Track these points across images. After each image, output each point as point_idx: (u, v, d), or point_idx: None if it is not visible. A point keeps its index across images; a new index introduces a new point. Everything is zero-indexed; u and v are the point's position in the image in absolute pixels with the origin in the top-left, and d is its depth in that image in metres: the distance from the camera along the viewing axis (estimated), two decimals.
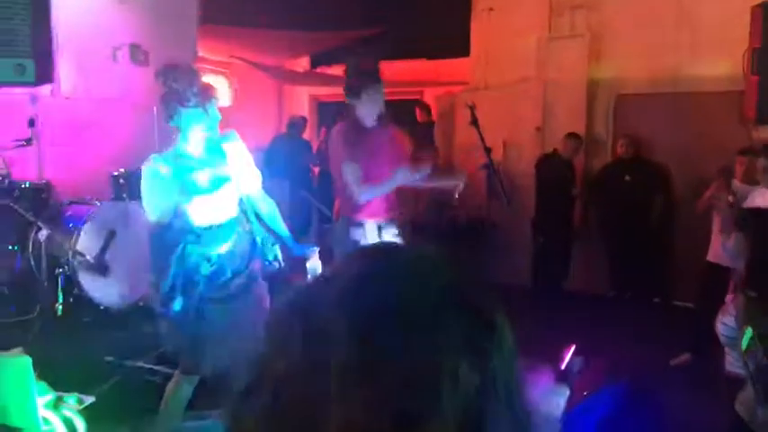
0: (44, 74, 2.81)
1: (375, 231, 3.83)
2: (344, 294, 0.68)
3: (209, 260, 3.12)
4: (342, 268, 0.73)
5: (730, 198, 4.37)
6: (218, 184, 3.16)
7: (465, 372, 0.64)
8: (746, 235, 2.90)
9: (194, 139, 3.14)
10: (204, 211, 3.14)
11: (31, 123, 4.44)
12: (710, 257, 5.15)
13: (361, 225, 3.83)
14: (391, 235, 3.88)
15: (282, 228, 3.44)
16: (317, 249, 3.39)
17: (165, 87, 3.09)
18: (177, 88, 3.04)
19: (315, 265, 3.36)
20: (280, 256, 3.36)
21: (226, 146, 3.26)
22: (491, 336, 0.68)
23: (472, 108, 3.64)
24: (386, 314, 0.66)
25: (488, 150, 3.59)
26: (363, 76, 3.73)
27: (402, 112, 9.17)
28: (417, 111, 9.07)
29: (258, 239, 3.33)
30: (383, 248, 0.83)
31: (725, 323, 2.97)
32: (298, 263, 3.40)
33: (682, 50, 6.58)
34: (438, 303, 0.67)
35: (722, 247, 3.28)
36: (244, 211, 3.36)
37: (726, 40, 5.82)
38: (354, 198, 3.72)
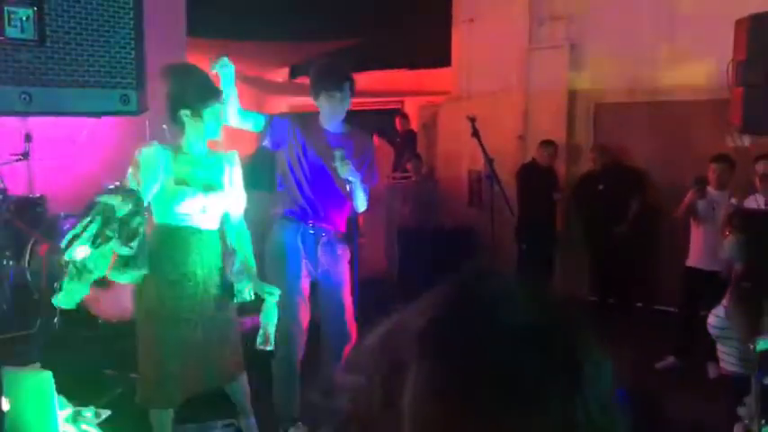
0: (143, 103, 2.85)
1: (298, 234, 3.67)
2: (423, 340, 0.65)
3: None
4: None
5: (734, 200, 4.54)
6: (209, 189, 3.14)
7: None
8: (742, 235, 3.06)
9: (193, 141, 3.13)
10: (190, 209, 3.10)
11: (28, 138, 4.43)
12: (690, 262, 5.30)
13: (285, 224, 3.72)
14: (323, 242, 3.70)
15: (252, 261, 3.34)
16: (277, 295, 3.27)
17: (167, 87, 3.10)
18: (181, 90, 3.06)
19: (271, 310, 3.26)
20: (251, 289, 3.28)
21: (227, 162, 3.28)
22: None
23: (473, 120, 3.70)
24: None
25: (491, 161, 3.67)
26: (324, 77, 3.65)
27: (384, 122, 9.28)
28: (397, 120, 9.18)
29: (237, 263, 3.27)
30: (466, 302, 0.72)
31: (716, 315, 3.10)
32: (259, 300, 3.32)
33: (660, 61, 6.77)
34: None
35: (720, 247, 3.43)
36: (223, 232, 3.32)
37: (703, 50, 6.02)
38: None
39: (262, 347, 3.24)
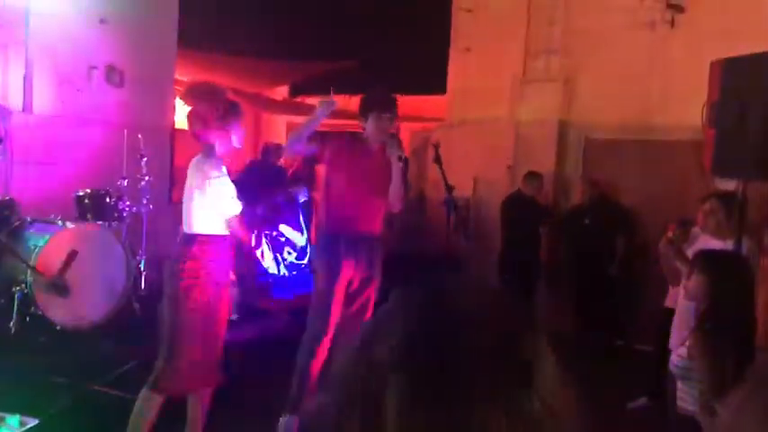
0: None
1: (350, 246, 3.98)
2: (397, 355, 0.69)
3: None
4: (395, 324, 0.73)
5: (669, 234, 4.47)
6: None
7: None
8: (704, 275, 3.01)
9: (220, 156, 3.32)
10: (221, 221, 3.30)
11: None
12: (669, 303, 5.22)
13: (336, 239, 3.99)
14: (366, 250, 4.07)
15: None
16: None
17: (192, 107, 3.29)
18: (204, 110, 3.24)
19: None
20: None
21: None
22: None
23: (436, 147, 3.75)
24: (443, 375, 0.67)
25: (449, 188, 3.65)
26: (374, 102, 4.02)
27: None
28: None
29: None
30: (438, 301, 0.78)
31: (679, 355, 3.09)
32: None
33: (651, 99, 6.74)
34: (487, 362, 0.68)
35: (683, 287, 3.37)
36: None
37: (693, 90, 5.96)
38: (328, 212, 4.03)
39: None
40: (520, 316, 0.77)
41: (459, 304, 0.75)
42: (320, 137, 4.10)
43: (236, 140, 3.38)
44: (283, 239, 7.15)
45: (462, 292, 0.78)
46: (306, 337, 3.88)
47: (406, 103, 9.41)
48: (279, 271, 7.11)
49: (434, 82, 8.62)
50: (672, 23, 6.63)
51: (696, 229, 5.07)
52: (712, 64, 3.68)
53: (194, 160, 3.32)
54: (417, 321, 0.73)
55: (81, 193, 4.97)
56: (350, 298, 4.04)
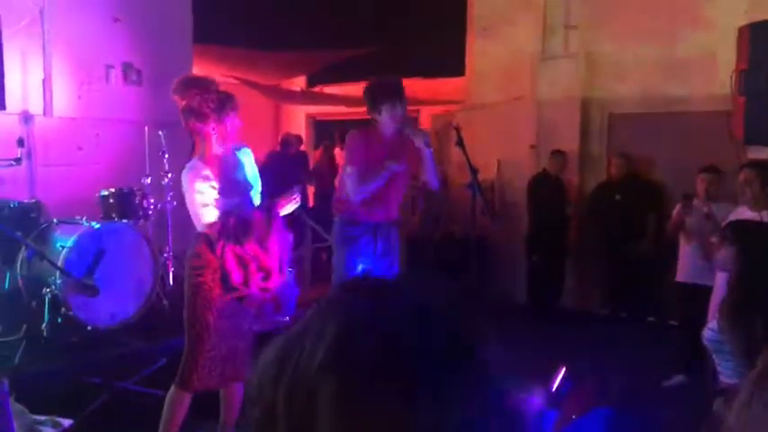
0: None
1: (370, 232, 4.08)
2: (330, 356, 0.64)
3: None
4: (326, 319, 0.68)
5: (705, 209, 4.37)
6: (249, 188, 3.38)
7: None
8: (734, 247, 2.97)
9: (217, 149, 3.26)
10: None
11: (21, 143, 4.45)
12: (680, 277, 5.14)
13: (355, 223, 4.09)
14: (384, 236, 4.13)
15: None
16: None
17: (184, 101, 3.21)
18: (197, 103, 3.17)
19: None
20: None
21: (244, 156, 3.45)
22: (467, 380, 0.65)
23: (458, 129, 3.69)
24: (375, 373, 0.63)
25: (474, 171, 3.61)
26: (384, 95, 4.02)
27: None
28: None
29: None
30: (371, 294, 0.73)
31: (710, 329, 3.03)
32: None
33: (674, 69, 6.60)
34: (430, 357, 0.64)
35: (712, 259, 3.33)
36: None
37: (717, 60, 5.85)
38: (349, 197, 4.04)
39: None
40: (471, 314, 0.71)
41: (404, 300, 0.69)
42: (338, 126, 4.13)
43: (233, 133, 3.30)
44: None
45: (407, 288, 0.72)
46: None
47: (424, 86, 9.44)
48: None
49: (452, 64, 8.55)
50: None
51: (698, 202, 4.96)
52: (740, 30, 3.59)
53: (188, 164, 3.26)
54: (354, 317, 0.67)
55: (105, 193, 4.99)
56: None
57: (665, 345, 5.76)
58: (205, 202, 3.11)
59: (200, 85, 3.24)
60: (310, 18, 8.82)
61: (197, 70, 7.20)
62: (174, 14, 6.44)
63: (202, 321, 3.14)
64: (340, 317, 0.67)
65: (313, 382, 0.63)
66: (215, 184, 3.13)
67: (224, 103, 3.23)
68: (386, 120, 4.03)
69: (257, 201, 3.41)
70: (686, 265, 5.09)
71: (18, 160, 4.52)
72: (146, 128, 5.45)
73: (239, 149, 3.41)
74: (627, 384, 4.76)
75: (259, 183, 3.47)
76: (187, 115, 3.20)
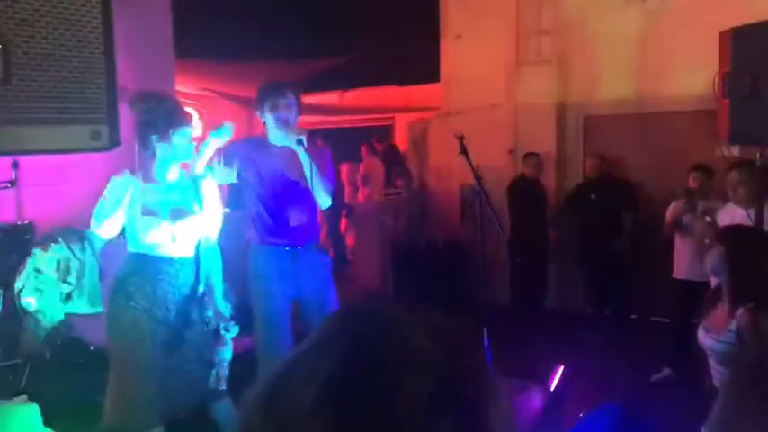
0: (114, 137, 2.86)
1: (289, 258, 3.67)
2: (319, 399, 0.62)
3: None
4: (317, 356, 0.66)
5: (708, 219, 4.53)
6: (178, 217, 3.15)
7: None
8: (727, 250, 3.03)
9: (166, 166, 3.17)
10: (159, 239, 3.11)
11: (15, 165, 4.41)
12: (677, 274, 5.30)
13: (269, 251, 3.69)
14: (310, 262, 3.72)
15: (219, 287, 3.34)
16: (236, 331, 3.30)
17: (137, 115, 3.13)
18: (149, 116, 3.09)
19: (227, 346, 3.30)
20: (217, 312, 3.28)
21: (199, 184, 3.29)
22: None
23: (461, 138, 3.71)
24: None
25: (479, 179, 3.67)
26: (268, 93, 3.68)
27: (374, 138, 9.28)
28: (375, 145, 9.10)
29: (201, 287, 3.25)
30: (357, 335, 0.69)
31: (720, 340, 2.99)
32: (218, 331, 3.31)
33: (646, 72, 6.80)
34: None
35: (704, 263, 3.40)
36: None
37: (689, 61, 6.05)
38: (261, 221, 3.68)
39: (213, 387, 3.23)
40: (469, 355, 0.69)
41: (397, 340, 0.66)
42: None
43: (182, 149, 3.15)
44: None
45: (402, 326, 0.68)
46: None
47: (399, 94, 9.52)
48: None
49: (427, 72, 8.63)
50: None
51: (702, 203, 5.14)
52: (721, 34, 3.73)
53: None
54: (342, 359, 0.64)
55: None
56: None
57: (649, 341, 5.93)
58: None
59: (151, 100, 3.15)
60: (283, 29, 8.83)
61: (179, 86, 7.18)
62: (156, 30, 6.41)
63: None
64: (328, 356, 0.65)
65: (304, 424, 0.61)
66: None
67: (171, 118, 3.10)
68: (269, 123, 3.68)
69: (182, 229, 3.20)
70: (682, 262, 5.25)
71: (13, 183, 4.47)
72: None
73: (201, 175, 3.29)
74: (617, 380, 4.91)
75: (211, 208, 3.30)
76: (136, 129, 3.14)
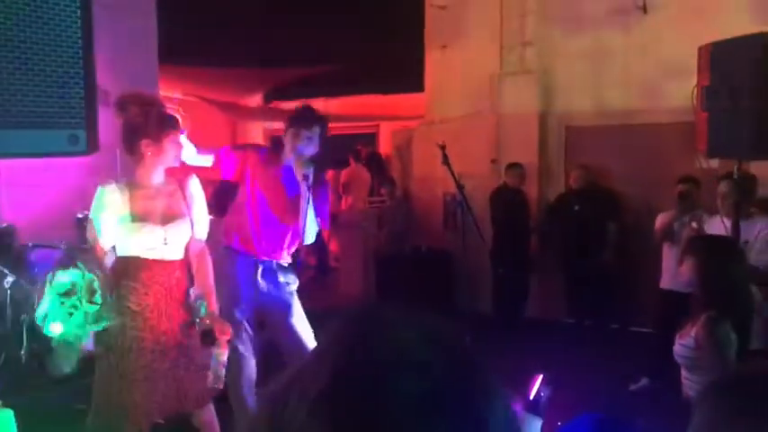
0: (93, 142, 2.82)
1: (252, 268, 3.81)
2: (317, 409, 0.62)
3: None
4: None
5: (694, 224, 4.58)
6: (168, 221, 3.14)
7: None
8: (696, 259, 3.07)
9: (152, 170, 3.13)
10: (152, 243, 3.09)
11: None
12: (664, 284, 5.34)
13: (235, 257, 3.84)
14: (282, 277, 3.86)
15: (211, 287, 3.32)
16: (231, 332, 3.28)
17: (127, 118, 3.09)
18: (140, 120, 3.05)
19: (221, 356, 3.24)
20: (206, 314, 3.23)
21: (190, 184, 3.27)
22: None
23: (443, 148, 3.72)
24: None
25: (461, 187, 3.69)
26: (297, 119, 3.82)
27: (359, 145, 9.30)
28: (360, 153, 9.11)
29: (192, 291, 3.23)
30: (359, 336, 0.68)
31: (684, 345, 3.06)
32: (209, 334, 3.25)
33: (628, 84, 6.88)
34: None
35: (678, 273, 3.44)
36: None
37: (672, 73, 6.12)
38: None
39: (211, 387, 3.21)
40: (466, 357, 0.68)
41: (397, 342, 0.66)
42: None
43: (172, 155, 3.13)
44: None
45: (397, 328, 0.68)
46: None
47: (383, 102, 9.56)
48: None
49: (411, 80, 8.69)
50: (644, 8, 6.76)
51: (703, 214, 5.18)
52: (700, 49, 3.78)
53: None
54: (338, 363, 0.64)
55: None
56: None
57: (629, 351, 5.95)
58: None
59: (140, 103, 3.12)
60: (266, 36, 8.84)
61: (161, 90, 7.16)
62: (140, 35, 6.39)
63: None
64: (332, 361, 0.65)
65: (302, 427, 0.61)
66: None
67: (164, 123, 3.09)
68: (287, 145, 3.82)
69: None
70: (670, 273, 5.28)
71: None
72: (117, 150, 5.38)
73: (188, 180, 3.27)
74: (596, 389, 4.93)
75: (199, 210, 3.29)
76: (124, 133, 3.09)
